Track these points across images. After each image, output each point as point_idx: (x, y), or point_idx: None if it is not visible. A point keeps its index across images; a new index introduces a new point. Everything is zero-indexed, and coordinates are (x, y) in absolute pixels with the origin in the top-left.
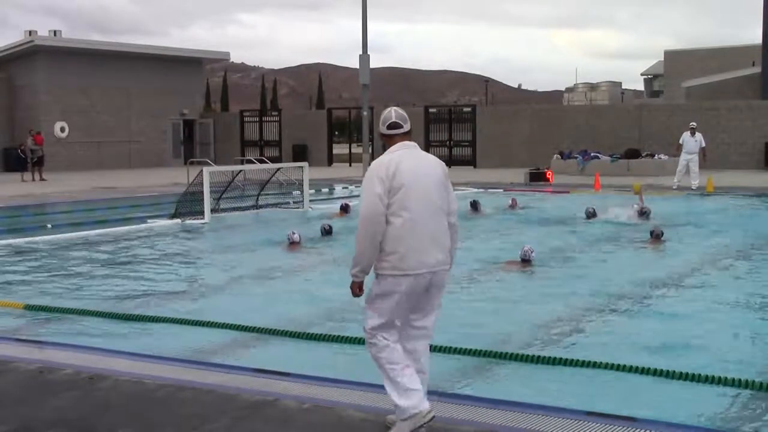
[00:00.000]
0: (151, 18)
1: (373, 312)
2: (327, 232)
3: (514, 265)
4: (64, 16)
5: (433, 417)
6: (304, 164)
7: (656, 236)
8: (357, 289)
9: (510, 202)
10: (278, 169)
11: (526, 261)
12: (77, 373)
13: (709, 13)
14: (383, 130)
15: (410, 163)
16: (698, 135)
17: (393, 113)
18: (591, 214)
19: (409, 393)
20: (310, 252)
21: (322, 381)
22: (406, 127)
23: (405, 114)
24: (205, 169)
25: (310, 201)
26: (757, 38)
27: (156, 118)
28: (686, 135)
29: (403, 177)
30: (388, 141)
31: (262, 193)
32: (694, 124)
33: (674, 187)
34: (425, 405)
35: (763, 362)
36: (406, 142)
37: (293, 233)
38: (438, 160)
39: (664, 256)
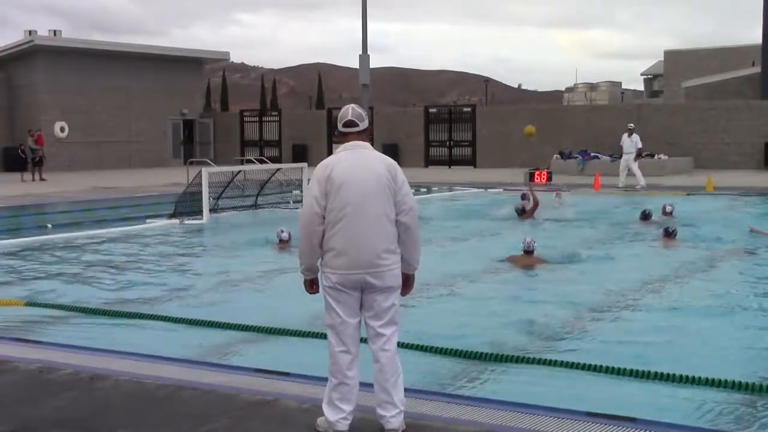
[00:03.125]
0: (151, 18)
1: (325, 310)
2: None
3: (519, 259)
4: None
5: None
6: (303, 165)
7: (669, 233)
8: (309, 286)
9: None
10: (277, 170)
11: (529, 252)
12: (77, 373)
13: (709, 13)
14: (339, 127)
15: (350, 163)
16: (635, 136)
17: (350, 111)
18: (647, 215)
19: (336, 409)
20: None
21: (321, 381)
22: (362, 126)
23: (363, 113)
24: (204, 170)
25: None
26: (757, 38)
27: (156, 118)
28: (624, 136)
29: (339, 178)
30: (343, 138)
31: (262, 193)
32: (631, 125)
33: (619, 185)
34: (342, 427)
35: (763, 363)
36: (357, 142)
37: (282, 231)
38: (386, 159)
39: (670, 254)
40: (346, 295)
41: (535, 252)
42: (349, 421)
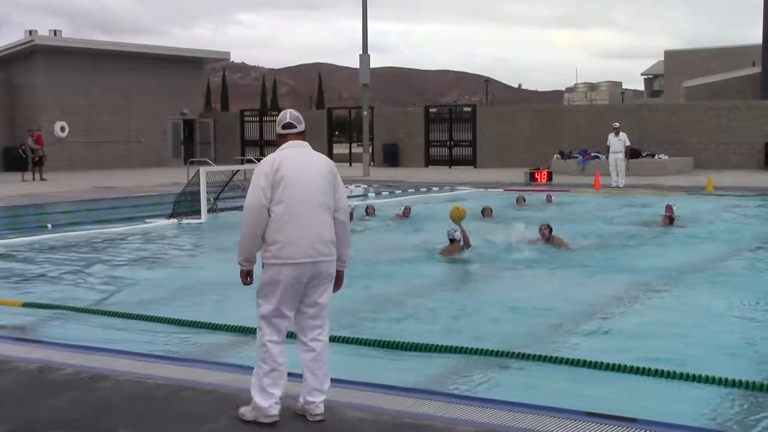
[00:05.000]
0: (152, 18)
1: (261, 300)
2: None
3: (450, 249)
4: (66, 15)
5: (275, 423)
6: None
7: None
8: (245, 277)
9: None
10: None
11: (453, 241)
12: (77, 373)
13: (710, 13)
14: (278, 129)
15: (295, 160)
16: (622, 135)
17: (288, 114)
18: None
19: (266, 395)
20: None
21: None
22: (300, 128)
23: (300, 116)
24: (202, 169)
25: None
26: (758, 38)
27: (156, 117)
28: (611, 135)
29: (285, 172)
30: (282, 140)
31: None
32: (617, 124)
33: (613, 185)
34: (273, 411)
35: (765, 362)
36: (298, 141)
37: None
38: (327, 159)
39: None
40: (291, 286)
41: (459, 240)
42: (279, 406)
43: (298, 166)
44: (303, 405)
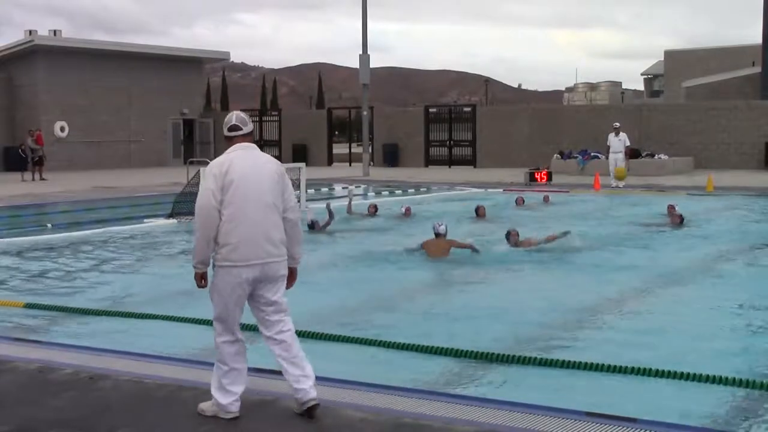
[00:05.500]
0: (152, 17)
1: (214, 303)
2: (311, 227)
3: (432, 244)
4: (66, 15)
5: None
6: (301, 165)
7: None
8: (199, 279)
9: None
10: None
11: (439, 235)
12: (77, 373)
13: (709, 13)
14: (225, 132)
15: (243, 162)
16: (622, 135)
17: (234, 117)
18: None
19: (226, 393)
20: None
21: (321, 381)
22: (246, 130)
23: (246, 118)
24: (202, 170)
25: (308, 201)
26: (757, 38)
27: (156, 117)
28: (611, 135)
29: (234, 174)
30: (229, 142)
31: None
32: (617, 124)
33: (612, 185)
34: (233, 408)
35: (765, 361)
36: (245, 143)
37: None
38: (274, 160)
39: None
40: (241, 287)
41: (447, 235)
42: (239, 404)
43: (246, 167)
44: (294, 394)
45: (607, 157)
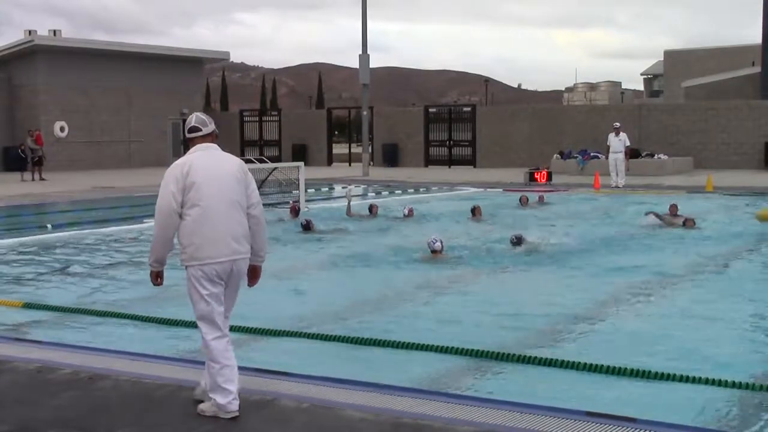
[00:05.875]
0: (153, 18)
1: (193, 303)
2: (306, 227)
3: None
4: (67, 15)
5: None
6: (300, 164)
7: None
8: (155, 278)
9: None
10: (274, 169)
11: (435, 252)
12: (76, 373)
13: (709, 13)
14: (186, 133)
15: (204, 162)
16: (622, 135)
17: (194, 118)
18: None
19: (224, 392)
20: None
21: (320, 380)
22: (206, 130)
23: (206, 119)
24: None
25: (308, 201)
26: (757, 38)
27: (156, 117)
28: (611, 135)
29: (195, 175)
30: (190, 143)
31: (263, 192)
32: (617, 124)
33: (613, 185)
34: (233, 407)
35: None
36: (205, 144)
37: None
38: (236, 159)
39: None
40: (214, 284)
41: (443, 251)
42: (238, 402)
43: (207, 167)
44: (200, 392)
45: (607, 157)
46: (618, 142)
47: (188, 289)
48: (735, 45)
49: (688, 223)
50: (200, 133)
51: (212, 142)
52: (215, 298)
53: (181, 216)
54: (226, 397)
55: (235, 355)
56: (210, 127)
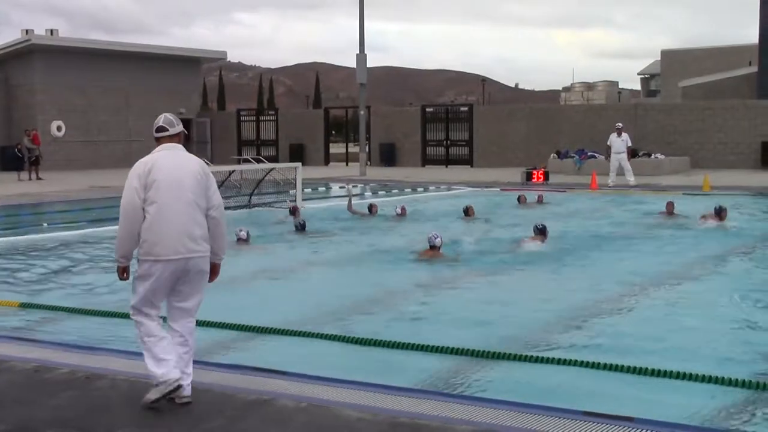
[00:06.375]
0: (151, 17)
1: (135, 292)
2: (301, 227)
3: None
4: (65, 15)
5: (180, 387)
6: (297, 164)
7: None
8: (121, 273)
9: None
10: (271, 169)
11: (434, 248)
12: (73, 373)
13: (706, 13)
14: (153, 133)
15: (167, 162)
16: (624, 135)
17: (161, 119)
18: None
19: (161, 362)
20: (256, 249)
21: (318, 380)
22: (172, 131)
23: (173, 119)
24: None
25: (304, 200)
26: (754, 38)
27: (153, 116)
28: (613, 136)
29: (157, 174)
30: (157, 142)
31: (260, 192)
32: (620, 124)
33: (610, 184)
34: (174, 374)
35: (762, 361)
36: (171, 144)
37: (240, 230)
38: (198, 160)
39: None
40: (162, 281)
41: (442, 247)
42: (178, 370)
43: (168, 167)
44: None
45: (607, 158)
46: (620, 142)
47: (134, 279)
48: (732, 45)
49: (668, 207)
50: (167, 133)
51: (179, 142)
52: (158, 294)
53: (143, 212)
54: (163, 366)
55: (226, 354)
56: (177, 127)
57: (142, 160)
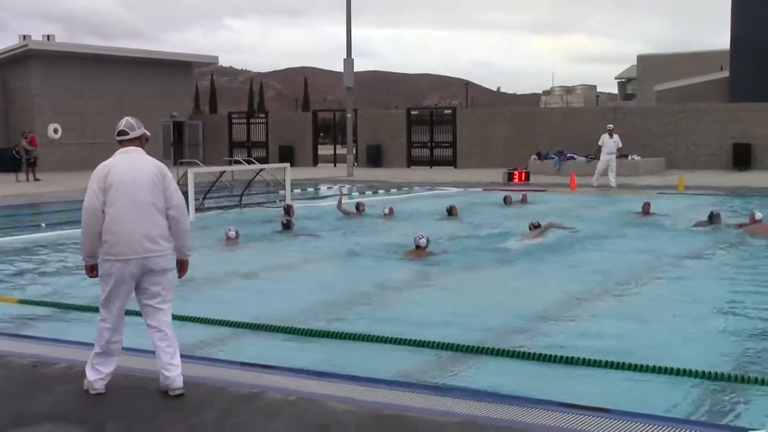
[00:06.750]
0: (145, 23)
1: (102, 291)
2: (286, 226)
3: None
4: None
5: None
6: (286, 165)
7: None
8: (88, 271)
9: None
10: (261, 170)
11: (419, 248)
12: (70, 368)
13: (680, 20)
14: (115, 136)
15: (124, 165)
16: (615, 136)
17: (123, 122)
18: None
19: (93, 371)
20: (245, 247)
21: (306, 374)
22: (133, 134)
23: (134, 123)
24: (190, 170)
25: (293, 200)
26: (725, 44)
27: (147, 120)
28: (605, 136)
29: (114, 177)
30: (120, 145)
31: (250, 192)
32: (611, 126)
33: (594, 184)
34: (98, 386)
35: (732, 354)
36: (130, 147)
37: (229, 230)
38: (156, 162)
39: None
40: (122, 279)
41: (428, 247)
42: (105, 382)
43: (126, 170)
44: (162, 381)
45: (598, 157)
46: (612, 143)
47: (99, 277)
48: (704, 50)
49: (644, 206)
50: (127, 137)
51: (140, 145)
52: (119, 291)
53: (103, 214)
54: (95, 375)
55: (217, 350)
56: (138, 131)
57: (102, 163)
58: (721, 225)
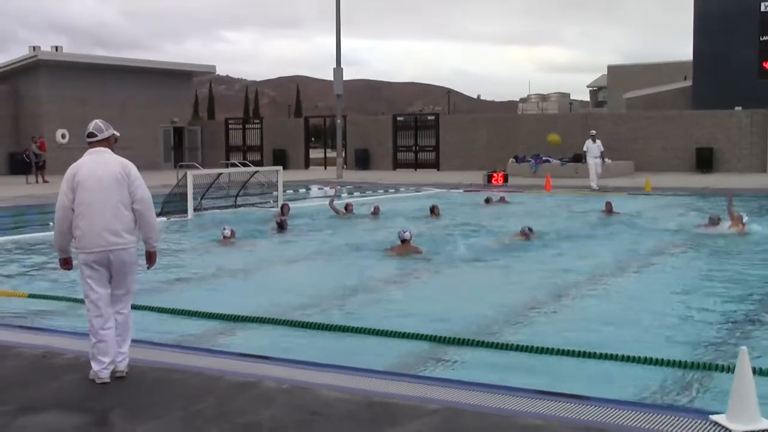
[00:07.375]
0: (147, 35)
1: (82, 284)
2: (280, 226)
3: (397, 249)
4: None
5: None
6: (279, 168)
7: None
8: (62, 264)
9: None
10: (255, 172)
11: (404, 241)
12: (77, 358)
13: (648, 32)
14: (86, 138)
15: (91, 165)
16: (598, 141)
17: (92, 125)
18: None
19: (96, 361)
20: (240, 245)
21: (299, 364)
22: (101, 136)
23: (102, 125)
24: (189, 172)
25: (286, 200)
26: (689, 55)
27: (148, 125)
28: (589, 142)
29: (80, 177)
30: (89, 146)
31: (246, 193)
32: (594, 132)
33: (594, 187)
34: (103, 375)
35: (699, 343)
36: (98, 148)
37: (224, 229)
38: (121, 161)
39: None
40: (95, 270)
41: (411, 241)
42: (109, 371)
43: (91, 170)
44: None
45: (584, 161)
46: (596, 147)
47: (79, 271)
48: (670, 61)
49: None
50: (96, 139)
51: (109, 145)
52: (95, 281)
53: (72, 212)
54: (98, 365)
55: (215, 341)
56: (106, 132)
57: (72, 165)
58: (721, 226)
